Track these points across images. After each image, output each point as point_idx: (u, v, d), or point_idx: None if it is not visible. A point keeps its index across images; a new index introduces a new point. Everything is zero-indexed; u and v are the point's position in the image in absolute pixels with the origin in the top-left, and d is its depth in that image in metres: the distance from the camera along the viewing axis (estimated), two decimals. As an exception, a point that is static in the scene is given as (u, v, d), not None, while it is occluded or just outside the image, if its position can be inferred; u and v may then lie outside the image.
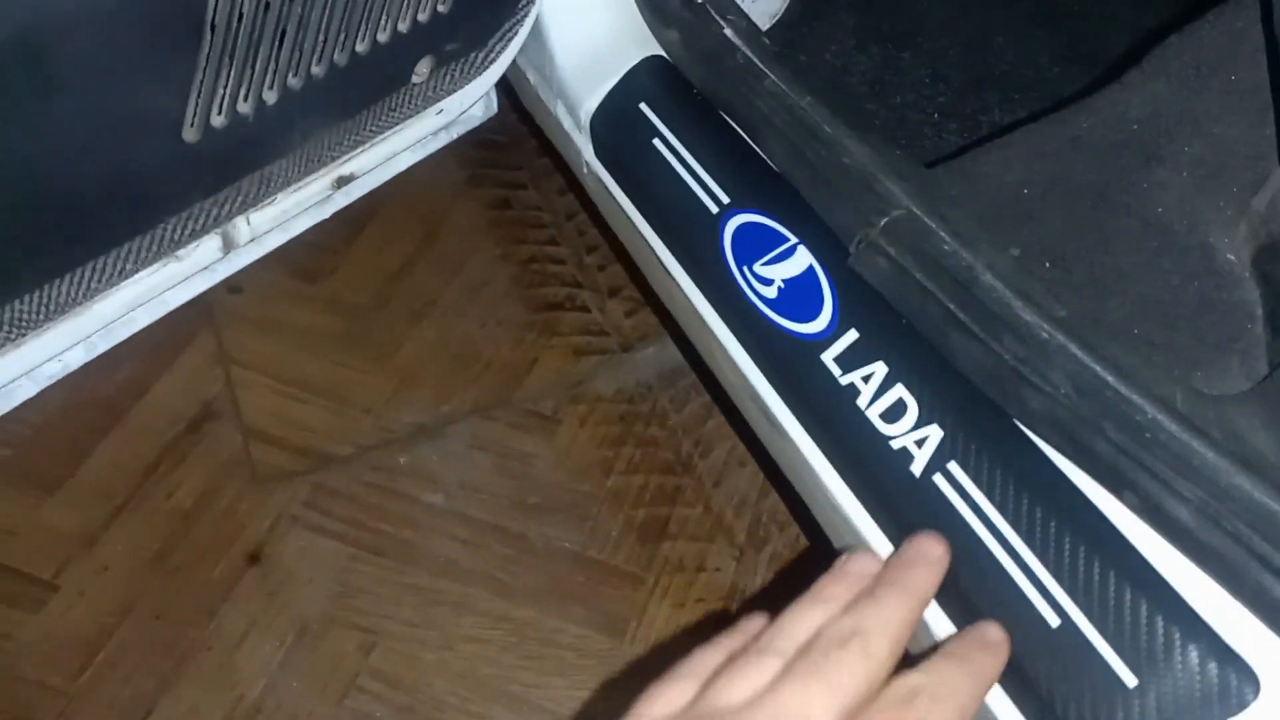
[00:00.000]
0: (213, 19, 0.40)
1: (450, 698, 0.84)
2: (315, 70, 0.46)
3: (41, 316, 0.42)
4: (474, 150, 1.26)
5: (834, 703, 0.33)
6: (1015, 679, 0.41)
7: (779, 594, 0.77)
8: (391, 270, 1.16)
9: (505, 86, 0.82)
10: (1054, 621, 0.40)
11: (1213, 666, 0.36)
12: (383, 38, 0.48)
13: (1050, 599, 0.40)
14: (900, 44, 0.94)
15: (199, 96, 0.41)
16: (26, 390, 0.51)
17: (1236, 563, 0.37)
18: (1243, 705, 0.35)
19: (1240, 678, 0.36)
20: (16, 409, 0.96)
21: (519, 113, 0.82)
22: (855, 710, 0.33)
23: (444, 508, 0.97)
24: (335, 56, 0.46)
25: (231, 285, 1.11)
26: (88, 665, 0.84)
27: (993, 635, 0.38)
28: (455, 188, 1.24)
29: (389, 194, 1.20)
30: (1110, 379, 0.42)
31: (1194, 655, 0.37)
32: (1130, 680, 0.38)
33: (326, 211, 0.61)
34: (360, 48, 0.48)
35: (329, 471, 0.99)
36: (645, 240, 0.64)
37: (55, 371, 0.52)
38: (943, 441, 0.46)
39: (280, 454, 1.00)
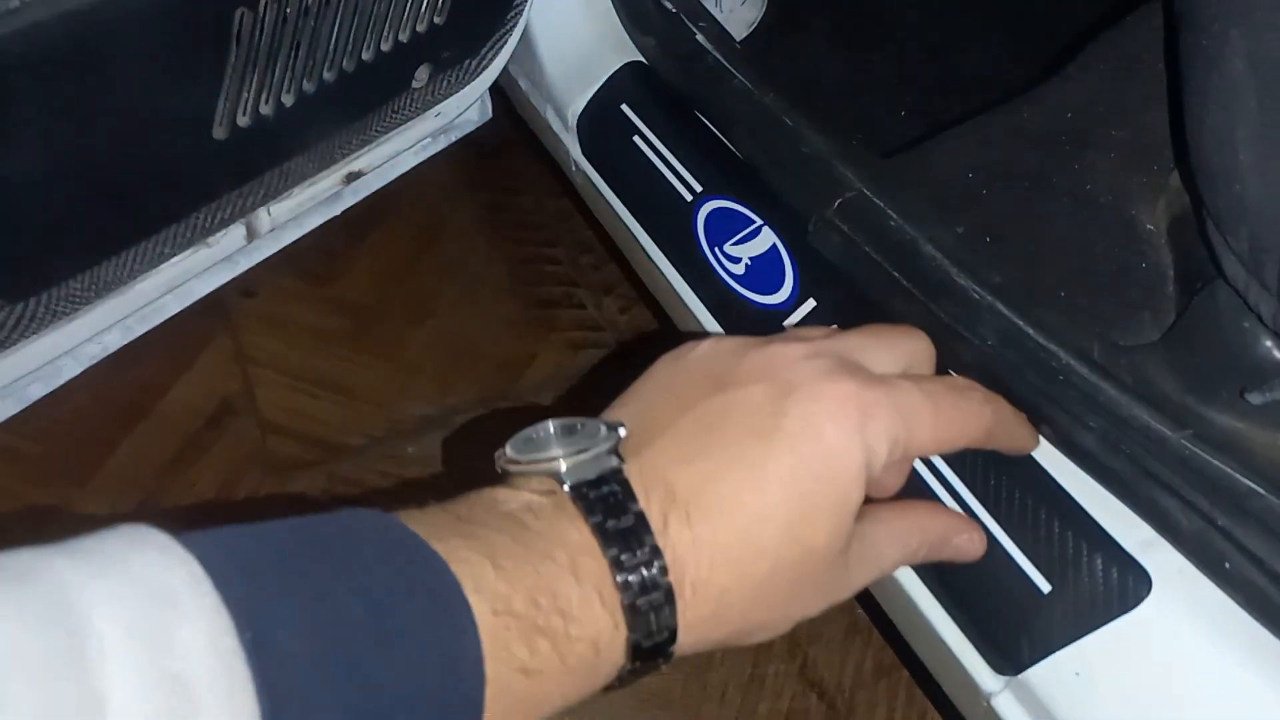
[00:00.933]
0: (238, 32, 0.46)
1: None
2: (327, 76, 0.52)
3: (92, 294, 0.47)
4: (473, 158, 1.32)
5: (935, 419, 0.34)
6: (947, 593, 0.46)
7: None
8: (396, 273, 1.22)
9: (501, 97, 0.89)
10: (981, 541, 0.45)
11: (1114, 570, 0.42)
12: (386, 47, 0.55)
13: (974, 518, 0.46)
14: (870, 49, 1.00)
15: (227, 99, 0.47)
16: (70, 370, 0.57)
17: (1133, 481, 0.42)
18: (1139, 600, 0.41)
19: (1136, 579, 0.41)
20: (48, 409, 1.02)
21: (514, 121, 0.88)
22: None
23: (452, 493, 1.02)
24: (344, 64, 0.52)
25: (245, 290, 1.18)
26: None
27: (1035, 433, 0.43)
28: (455, 194, 1.31)
29: (392, 201, 1.27)
30: (1030, 331, 0.48)
31: (1098, 562, 0.42)
32: (1045, 586, 0.43)
33: (337, 209, 0.67)
34: (366, 56, 0.54)
35: (342, 461, 1.05)
36: (629, 228, 0.70)
37: (96, 353, 0.58)
38: (889, 393, 0.51)
39: (296, 446, 1.06)
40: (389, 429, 1.07)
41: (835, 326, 0.42)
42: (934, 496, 0.47)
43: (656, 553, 0.29)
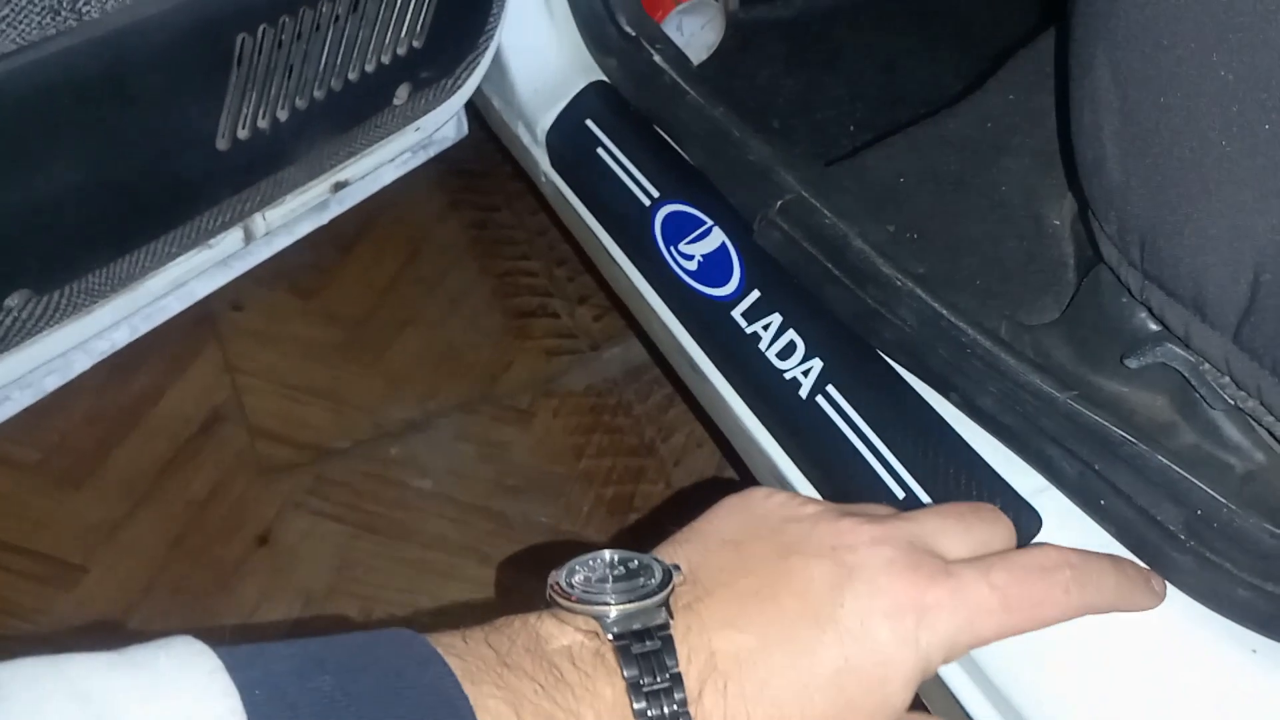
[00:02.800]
0: (239, 55, 0.52)
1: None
2: (317, 94, 0.58)
3: (108, 288, 0.53)
4: (453, 178, 1.38)
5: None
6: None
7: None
8: (380, 286, 1.28)
9: (478, 117, 0.95)
10: (900, 494, 0.52)
11: (1011, 512, 0.48)
12: (370, 68, 0.61)
13: (897, 477, 0.52)
14: (823, 68, 1.07)
15: (229, 115, 0.53)
16: (82, 363, 0.63)
17: (1026, 436, 0.49)
18: (1031, 537, 0.47)
19: (1029, 518, 0.47)
20: (47, 418, 1.07)
21: (495, 144, 0.94)
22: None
23: (432, 491, 1.08)
24: (333, 83, 0.59)
25: (234, 303, 1.23)
26: (115, 635, 0.95)
27: (1158, 584, 0.40)
28: (436, 211, 1.36)
29: (376, 218, 1.33)
30: (944, 312, 0.54)
31: (998, 505, 0.48)
32: (953, 531, 0.49)
33: (324, 217, 0.73)
34: (352, 76, 0.60)
35: (328, 463, 1.10)
36: (594, 232, 0.76)
37: (105, 349, 0.63)
38: (823, 370, 0.58)
39: (284, 449, 1.11)
40: (374, 432, 1.12)
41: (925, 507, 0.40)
42: (854, 451, 0.53)
43: (686, 718, 0.29)
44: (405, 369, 1.19)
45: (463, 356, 1.20)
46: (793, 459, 0.59)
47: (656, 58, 0.75)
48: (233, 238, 0.60)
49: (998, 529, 0.38)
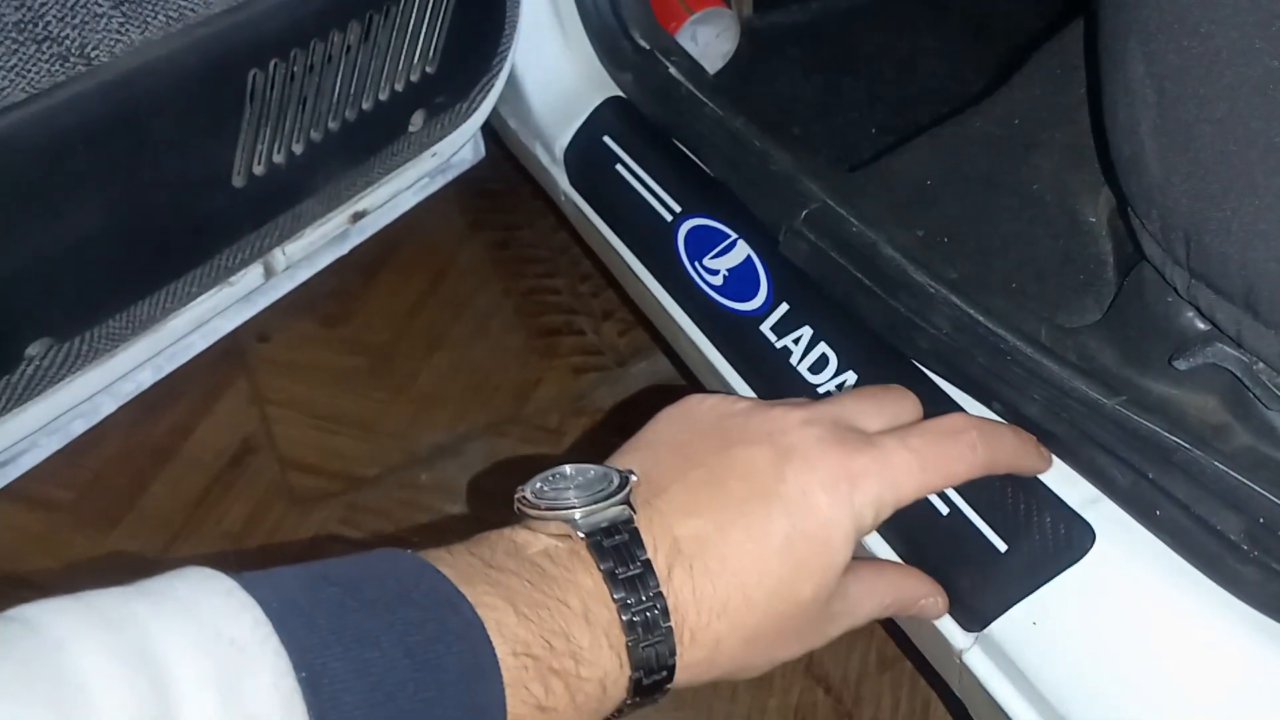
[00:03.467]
0: (252, 91, 0.51)
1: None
2: (332, 126, 0.57)
3: (129, 331, 0.53)
4: (473, 199, 1.38)
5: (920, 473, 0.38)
6: (918, 557, 0.50)
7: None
8: (405, 311, 1.27)
9: (497, 138, 0.94)
10: (945, 510, 0.50)
11: (1062, 527, 0.46)
12: (384, 96, 0.60)
13: (941, 493, 0.50)
14: (841, 70, 1.05)
15: (244, 151, 0.52)
16: (108, 406, 0.62)
17: (1075, 444, 0.47)
18: (1084, 552, 0.45)
19: (1081, 532, 0.46)
20: (79, 457, 1.07)
21: (514, 164, 0.93)
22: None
23: (464, 515, 1.07)
24: (347, 114, 0.58)
25: (260, 335, 1.23)
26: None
27: (1044, 450, 0.45)
28: (459, 233, 1.36)
29: (399, 243, 1.33)
30: (980, 318, 0.52)
31: (1048, 520, 0.47)
32: (1002, 546, 0.47)
33: (344, 247, 0.73)
34: (366, 105, 0.59)
35: (360, 491, 1.09)
36: (616, 251, 0.75)
37: (130, 390, 0.63)
38: (858, 383, 0.56)
39: (315, 479, 1.11)
40: (405, 458, 1.12)
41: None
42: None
43: (660, 599, 0.32)
44: (434, 393, 1.18)
45: (490, 378, 1.19)
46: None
47: (672, 70, 0.74)
48: (253, 274, 0.60)
49: (906, 403, 0.43)
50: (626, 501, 0.34)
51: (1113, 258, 0.58)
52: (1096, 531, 0.45)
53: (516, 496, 0.35)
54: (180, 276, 0.53)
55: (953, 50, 1.07)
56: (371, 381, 1.20)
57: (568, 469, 0.36)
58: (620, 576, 0.32)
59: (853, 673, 0.92)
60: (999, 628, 0.47)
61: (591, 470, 0.35)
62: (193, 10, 0.45)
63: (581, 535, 0.33)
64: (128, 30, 0.43)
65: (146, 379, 0.64)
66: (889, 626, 0.90)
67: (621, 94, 0.77)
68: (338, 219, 0.64)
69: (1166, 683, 0.42)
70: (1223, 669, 0.41)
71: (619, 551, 0.32)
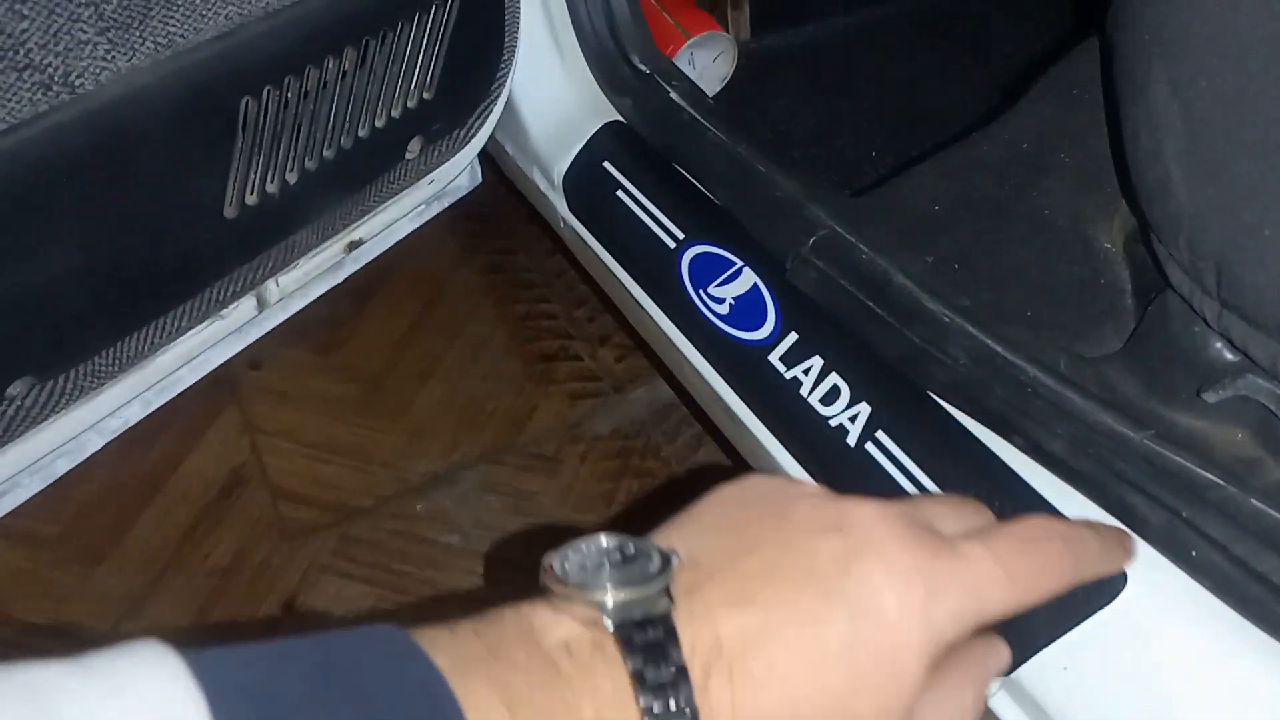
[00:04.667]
0: (244, 119, 0.49)
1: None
2: (327, 154, 0.55)
3: (116, 368, 0.50)
4: (466, 223, 1.36)
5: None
6: (938, 599, 0.49)
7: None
8: (398, 338, 1.25)
9: (492, 163, 0.93)
10: (966, 549, 0.48)
11: (1090, 567, 0.44)
12: (379, 123, 0.58)
13: (962, 531, 0.48)
14: (840, 93, 1.04)
15: (235, 181, 0.50)
16: (94, 443, 0.60)
17: (1102, 481, 0.45)
18: (1115, 595, 0.43)
19: (1112, 574, 0.44)
20: (64, 490, 1.05)
21: (508, 187, 0.92)
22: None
23: (460, 547, 1.04)
24: (342, 141, 0.56)
25: (252, 363, 1.21)
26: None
27: (1128, 541, 0.39)
28: (452, 258, 1.34)
29: (392, 268, 1.31)
30: (999, 349, 0.51)
31: (1075, 560, 0.45)
32: (1028, 587, 0.46)
33: (339, 276, 0.71)
34: (362, 133, 0.57)
35: (353, 523, 1.07)
36: (617, 278, 0.73)
37: (117, 426, 0.61)
38: (871, 415, 0.54)
39: (307, 510, 1.08)
40: (398, 488, 1.10)
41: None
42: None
43: (692, 711, 0.28)
44: (428, 421, 1.16)
45: (485, 405, 1.17)
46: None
47: (673, 94, 0.72)
48: (245, 306, 0.58)
49: (984, 514, 0.38)
50: (666, 588, 0.29)
51: (1131, 285, 0.57)
52: (1128, 573, 0.44)
53: (544, 566, 0.30)
54: (169, 311, 0.51)
55: (952, 72, 1.06)
56: (364, 409, 1.18)
57: (604, 540, 0.31)
58: (649, 681, 0.28)
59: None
60: (1026, 673, 0.45)
61: (632, 545, 0.31)
62: (182, 37, 0.43)
63: (610, 626, 0.28)
64: (114, 58, 0.41)
65: (134, 415, 0.62)
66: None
67: (621, 119, 0.75)
68: (333, 249, 0.62)
69: (1205, 731, 0.40)
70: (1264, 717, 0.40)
71: (651, 651, 0.28)
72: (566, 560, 0.30)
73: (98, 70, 0.41)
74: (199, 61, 0.45)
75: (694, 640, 0.29)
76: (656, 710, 0.27)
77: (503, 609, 0.29)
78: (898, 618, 0.30)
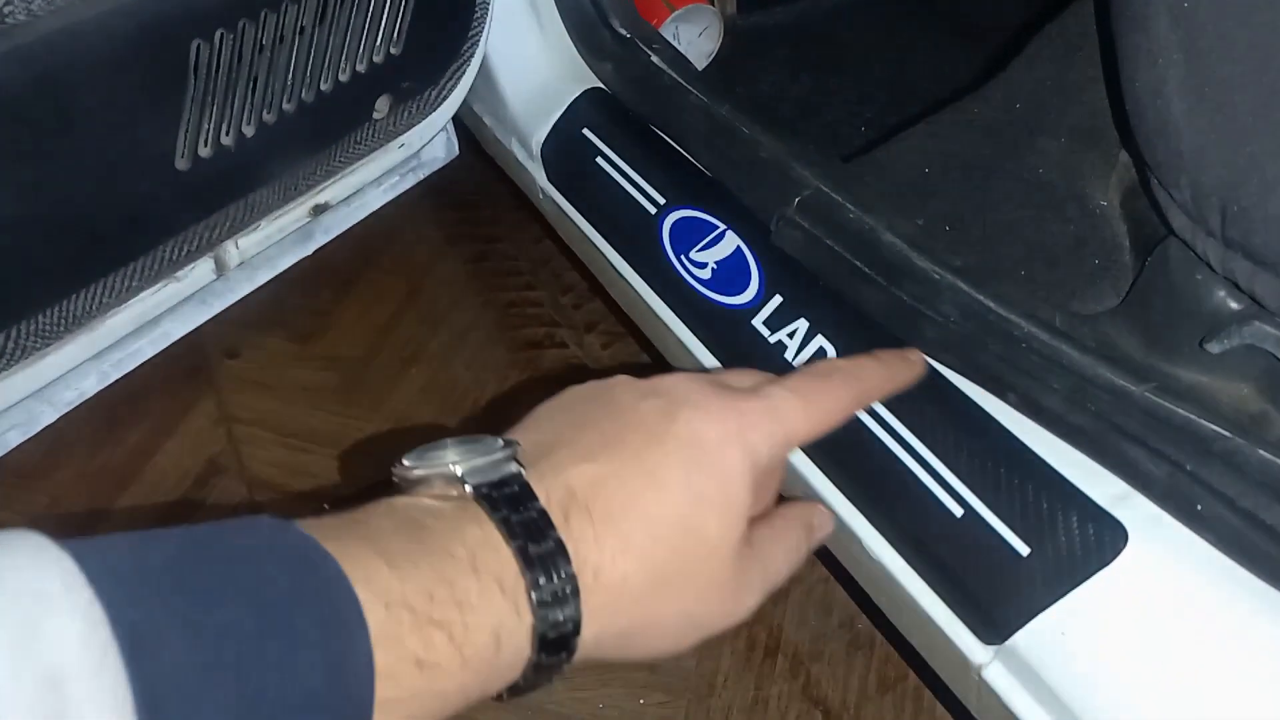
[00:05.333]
0: (195, 64, 0.47)
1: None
2: (287, 107, 0.53)
3: (61, 329, 0.48)
4: (451, 211, 1.34)
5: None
6: (929, 565, 0.46)
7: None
8: (380, 325, 1.23)
9: (477, 149, 0.90)
10: (958, 511, 0.45)
11: (1090, 526, 0.42)
12: (344, 78, 0.56)
13: (954, 493, 0.46)
14: (829, 69, 1.02)
15: (187, 130, 0.48)
16: (48, 415, 0.57)
17: (1101, 436, 0.42)
18: (1116, 553, 0.41)
19: (1112, 532, 0.41)
20: (35, 480, 1.02)
21: (491, 171, 0.89)
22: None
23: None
24: (304, 95, 0.54)
25: (229, 351, 1.18)
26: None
27: (914, 355, 0.46)
28: (435, 246, 1.32)
29: (374, 256, 1.29)
30: (991, 304, 0.48)
31: (1074, 520, 0.42)
32: (1024, 549, 0.43)
33: (308, 246, 0.68)
34: (325, 87, 0.55)
35: (332, 514, 1.04)
36: (598, 249, 0.70)
37: (72, 399, 0.58)
38: (858, 377, 0.52)
39: (284, 500, 1.06)
40: (380, 477, 1.07)
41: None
42: (904, 467, 0.47)
43: (560, 543, 0.30)
44: (410, 410, 1.13)
45: (469, 393, 1.15)
46: (830, 478, 0.53)
47: (655, 59, 0.70)
48: (203, 269, 0.55)
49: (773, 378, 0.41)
50: (514, 457, 0.32)
51: (1129, 241, 0.54)
52: (1129, 530, 0.41)
53: (394, 466, 0.33)
54: (117, 269, 0.48)
55: (941, 48, 1.04)
56: (345, 398, 1.15)
57: (447, 440, 0.33)
58: (515, 523, 0.30)
59: (852, 695, 0.87)
60: (1022, 639, 0.43)
61: (474, 439, 0.33)
62: (125, -31, 0.41)
63: (469, 489, 0.30)
64: (47, -14, 0.38)
65: (90, 386, 0.59)
66: (895, 640, 0.85)
67: (601, 85, 0.73)
68: (296, 211, 0.59)
69: (1213, 696, 0.38)
70: (1277, 678, 0.37)
71: (511, 501, 0.30)
72: (416, 456, 0.33)
73: (28, 0, 0.38)
74: (144, -1, 0.43)
75: (548, 493, 0.31)
76: (529, 548, 0.29)
77: (364, 503, 0.31)
78: (719, 443, 0.34)
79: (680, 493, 0.33)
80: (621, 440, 0.34)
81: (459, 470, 0.31)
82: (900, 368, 0.45)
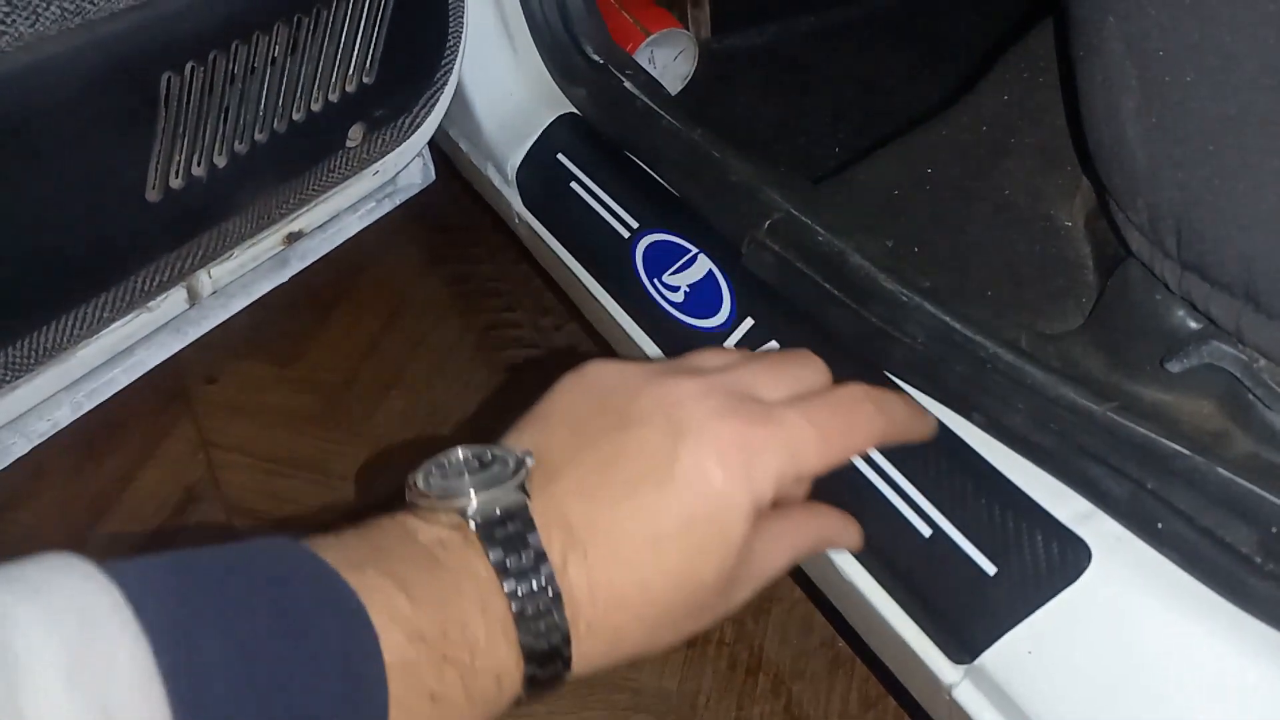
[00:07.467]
0: (165, 95, 0.47)
1: None
2: (259, 136, 0.53)
3: (33, 360, 0.48)
4: (431, 234, 1.34)
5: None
6: (897, 584, 0.46)
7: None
8: (361, 349, 1.23)
9: (453, 169, 0.90)
10: (926, 532, 0.46)
11: (1054, 545, 0.42)
12: (316, 107, 0.56)
13: (922, 513, 0.46)
14: (802, 92, 1.03)
15: (158, 161, 0.48)
16: (20, 447, 0.57)
17: (1065, 456, 0.43)
18: (1080, 572, 0.41)
19: (1076, 550, 0.42)
20: (8, 510, 1.01)
21: (470, 194, 0.90)
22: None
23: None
24: (275, 124, 0.54)
25: (208, 377, 1.18)
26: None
27: (930, 417, 0.44)
28: (416, 269, 1.32)
29: (354, 279, 1.29)
30: (957, 326, 0.49)
31: (1039, 539, 0.43)
32: (990, 569, 0.43)
33: (284, 274, 0.68)
34: (297, 116, 0.55)
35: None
36: (572, 272, 0.71)
37: (45, 430, 0.58)
38: (828, 399, 0.52)
39: (264, 527, 1.05)
40: (361, 502, 1.07)
41: (734, 348, 0.43)
42: (873, 489, 0.48)
43: (554, 590, 0.31)
44: (391, 434, 1.13)
45: (450, 416, 1.15)
46: (803, 500, 0.53)
47: (627, 84, 0.71)
48: (175, 299, 0.55)
49: (809, 369, 0.40)
50: (521, 487, 0.32)
51: (1093, 260, 0.55)
52: (1092, 549, 0.42)
53: (407, 484, 0.33)
54: (89, 300, 0.49)
55: (914, 72, 1.05)
56: (326, 423, 1.14)
57: (460, 453, 0.34)
58: (510, 568, 0.31)
59: (834, 713, 0.87)
60: (990, 658, 0.43)
61: (488, 453, 0.34)
62: (92, 3, 0.41)
63: (473, 526, 0.31)
64: (14, 22, 0.39)
65: (64, 417, 0.59)
66: (872, 662, 0.85)
67: (575, 110, 0.74)
68: (270, 239, 0.59)
69: (1176, 713, 0.38)
70: (1238, 694, 0.38)
71: (511, 542, 0.31)
72: (430, 475, 0.33)
73: (-3, 35, 0.39)
74: (114, 32, 0.43)
75: (550, 529, 0.32)
76: (520, 593, 0.30)
77: (379, 518, 0.32)
78: (723, 486, 0.33)
79: (677, 542, 0.33)
80: (620, 470, 0.33)
81: (470, 506, 0.31)
82: (920, 422, 0.43)
